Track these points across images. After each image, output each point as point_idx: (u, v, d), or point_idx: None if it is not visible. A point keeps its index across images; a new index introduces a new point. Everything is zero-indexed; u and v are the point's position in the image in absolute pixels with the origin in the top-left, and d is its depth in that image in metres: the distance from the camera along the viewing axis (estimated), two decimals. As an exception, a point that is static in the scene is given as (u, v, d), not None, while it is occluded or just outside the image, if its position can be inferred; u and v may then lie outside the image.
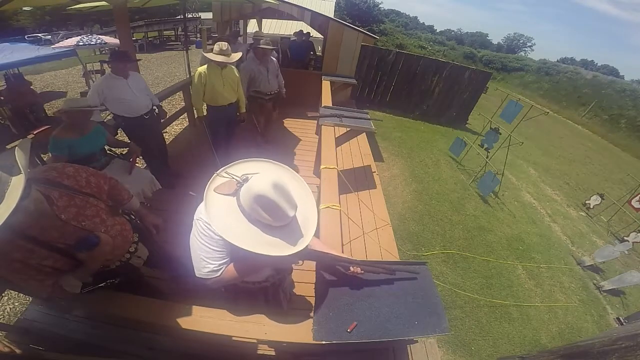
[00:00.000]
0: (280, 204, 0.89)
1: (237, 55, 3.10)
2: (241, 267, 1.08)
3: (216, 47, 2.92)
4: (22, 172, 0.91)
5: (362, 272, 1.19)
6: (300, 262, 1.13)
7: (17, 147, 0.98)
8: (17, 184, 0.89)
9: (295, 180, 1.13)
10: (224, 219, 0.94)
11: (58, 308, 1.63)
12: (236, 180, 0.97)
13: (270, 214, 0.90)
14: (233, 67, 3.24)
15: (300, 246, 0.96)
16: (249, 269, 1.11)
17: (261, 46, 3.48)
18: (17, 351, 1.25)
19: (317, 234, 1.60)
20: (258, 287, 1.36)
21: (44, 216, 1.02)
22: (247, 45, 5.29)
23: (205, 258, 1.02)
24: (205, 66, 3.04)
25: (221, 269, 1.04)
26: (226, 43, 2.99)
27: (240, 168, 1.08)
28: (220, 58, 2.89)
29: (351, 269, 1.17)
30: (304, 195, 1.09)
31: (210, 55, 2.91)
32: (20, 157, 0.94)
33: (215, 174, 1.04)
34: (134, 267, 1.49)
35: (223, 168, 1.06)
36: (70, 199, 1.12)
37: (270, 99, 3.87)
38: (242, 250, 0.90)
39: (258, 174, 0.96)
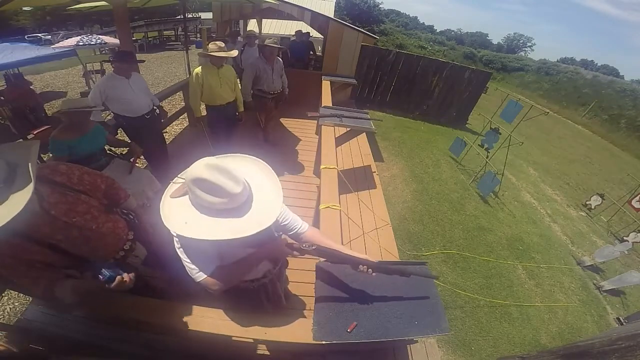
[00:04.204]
0: (217, 181, 0.84)
1: (234, 52, 3.18)
2: (231, 267, 1.05)
3: (213, 46, 2.93)
4: (32, 179, 0.92)
5: (372, 273, 1.14)
6: (297, 254, 1.08)
7: (27, 150, 1.00)
8: (23, 193, 0.90)
9: (255, 165, 1.08)
10: (178, 216, 0.90)
11: (58, 308, 1.63)
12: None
13: (212, 194, 0.86)
14: (230, 66, 3.26)
15: (257, 228, 0.89)
16: (241, 267, 1.09)
17: (269, 45, 3.48)
18: (14, 350, 1.25)
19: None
20: (258, 285, 1.36)
21: (33, 214, 1.02)
22: (241, 44, 5.32)
23: (188, 262, 1.01)
24: (201, 66, 3.05)
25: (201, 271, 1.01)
26: (222, 42, 3.02)
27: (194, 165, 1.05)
28: (222, 54, 2.92)
29: (360, 268, 1.12)
30: (265, 179, 1.04)
31: (211, 53, 2.92)
32: (31, 161, 0.95)
33: (171, 182, 1.01)
34: (131, 266, 1.49)
35: (179, 175, 1.01)
36: (62, 195, 1.13)
37: (272, 98, 3.88)
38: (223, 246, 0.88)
39: None
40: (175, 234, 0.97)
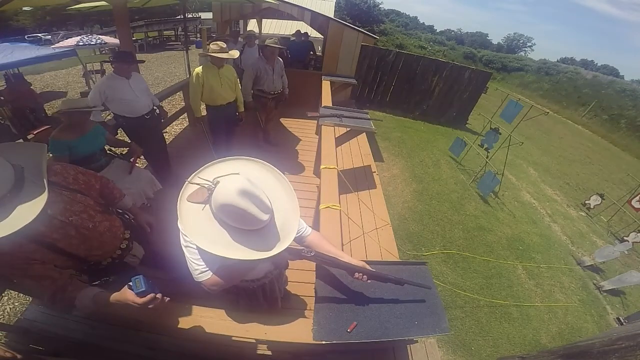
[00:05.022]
0: (249, 210, 0.83)
1: (236, 53, 3.18)
2: (234, 269, 1.05)
3: (214, 46, 2.93)
4: (45, 189, 0.93)
5: (368, 280, 1.15)
6: (296, 259, 1.11)
7: (34, 152, 1.00)
8: (34, 204, 0.90)
9: (276, 178, 1.06)
10: (198, 228, 0.90)
11: (58, 308, 1.63)
12: (207, 186, 0.91)
13: (240, 222, 0.87)
14: (230, 66, 3.25)
15: (278, 249, 0.92)
16: (244, 267, 1.09)
17: (269, 45, 3.48)
18: (18, 356, 1.24)
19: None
20: (257, 284, 1.37)
21: None
22: (241, 44, 5.32)
23: (194, 260, 1.01)
24: (202, 66, 3.05)
25: (209, 269, 1.02)
26: (223, 42, 3.01)
27: (212, 171, 1.00)
28: (223, 55, 2.93)
29: (356, 275, 1.14)
30: (284, 195, 1.03)
31: (212, 53, 2.92)
32: (43, 173, 0.95)
33: (186, 182, 0.98)
34: (129, 266, 1.49)
35: (194, 174, 0.99)
36: (57, 195, 1.14)
37: (273, 98, 3.88)
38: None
39: (229, 175, 0.91)
40: (186, 235, 0.97)
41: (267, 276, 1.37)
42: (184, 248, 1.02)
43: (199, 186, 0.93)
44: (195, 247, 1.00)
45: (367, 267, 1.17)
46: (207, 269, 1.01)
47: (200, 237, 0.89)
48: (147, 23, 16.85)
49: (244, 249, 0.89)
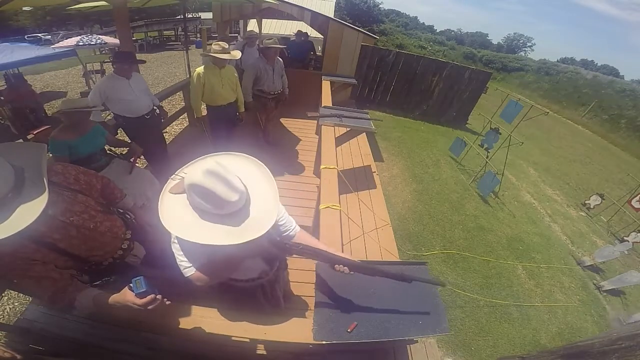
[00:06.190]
0: (214, 189, 0.83)
1: (237, 53, 3.17)
2: (219, 263, 1.05)
3: (216, 46, 2.93)
4: (45, 189, 0.92)
5: (350, 272, 1.11)
6: (280, 253, 1.11)
7: (33, 152, 1.00)
8: (35, 204, 0.90)
9: (257, 169, 1.05)
10: (172, 214, 0.90)
11: (58, 308, 1.63)
12: (185, 176, 0.92)
13: (208, 201, 0.86)
14: (231, 66, 3.25)
15: (251, 236, 0.89)
16: (228, 264, 1.08)
17: (271, 46, 3.47)
18: (18, 357, 1.24)
19: (317, 235, 1.60)
20: (254, 284, 1.36)
21: None
22: (242, 43, 5.32)
23: (178, 256, 1.03)
24: (203, 66, 3.05)
25: (192, 265, 1.03)
26: (226, 42, 3.01)
27: (195, 165, 1.01)
28: (225, 55, 2.93)
29: (337, 267, 1.10)
30: (265, 185, 1.02)
31: (215, 54, 2.92)
32: (43, 173, 0.95)
33: (170, 178, 1.00)
34: (130, 266, 1.49)
35: (179, 170, 1.01)
36: (58, 195, 1.14)
37: (273, 98, 3.88)
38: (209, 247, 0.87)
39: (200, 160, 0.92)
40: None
41: (262, 276, 1.36)
42: (172, 246, 1.04)
43: (179, 180, 0.95)
44: (177, 242, 1.02)
45: (350, 259, 1.13)
46: (191, 264, 1.03)
47: (172, 222, 0.88)
48: (147, 23, 16.86)
49: (214, 232, 0.87)
